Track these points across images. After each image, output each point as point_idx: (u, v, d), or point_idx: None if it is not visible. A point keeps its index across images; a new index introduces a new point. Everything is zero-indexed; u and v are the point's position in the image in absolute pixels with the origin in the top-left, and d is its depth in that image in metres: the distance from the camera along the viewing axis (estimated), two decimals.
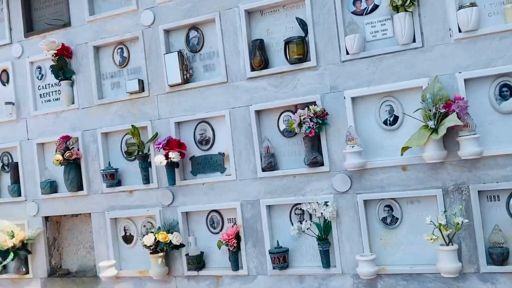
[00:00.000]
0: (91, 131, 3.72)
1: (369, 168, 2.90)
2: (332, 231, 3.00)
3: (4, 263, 3.78)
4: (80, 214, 3.89)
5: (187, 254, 3.37)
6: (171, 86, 3.43)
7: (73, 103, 3.78)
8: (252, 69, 3.21)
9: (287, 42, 3.06)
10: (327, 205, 2.96)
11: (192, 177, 3.45)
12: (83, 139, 3.74)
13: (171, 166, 3.36)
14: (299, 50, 3.02)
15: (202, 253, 3.38)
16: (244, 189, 3.25)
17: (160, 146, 3.32)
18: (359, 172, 2.92)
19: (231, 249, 3.20)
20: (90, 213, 3.77)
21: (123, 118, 3.62)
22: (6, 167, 4.10)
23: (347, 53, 2.96)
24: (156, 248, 3.35)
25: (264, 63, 3.17)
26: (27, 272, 3.90)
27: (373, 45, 2.96)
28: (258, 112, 3.23)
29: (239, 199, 3.27)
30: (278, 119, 3.20)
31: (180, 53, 3.37)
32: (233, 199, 3.29)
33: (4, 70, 4.08)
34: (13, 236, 3.77)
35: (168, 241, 3.31)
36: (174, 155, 3.29)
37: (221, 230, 3.38)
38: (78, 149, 3.73)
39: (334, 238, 2.99)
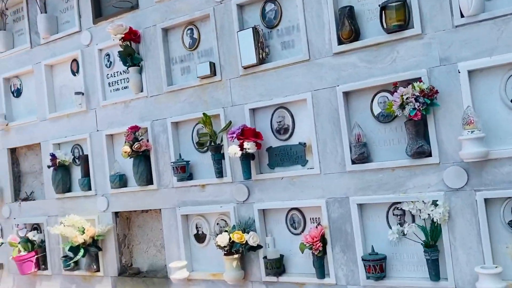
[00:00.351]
0: (161, 121, 3.45)
1: (492, 158, 2.31)
2: (442, 236, 2.44)
3: (75, 259, 3.64)
4: (150, 210, 3.65)
5: (265, 257, 2.98)
6: (245, 68, 3.05)
7: (141, 91, 3.54)
8: (340, 43, 2.73)
9: (384, 7, 2.54)
10: (436, 205, 2.40)
11: (269, 170, 3.04)
12: (152, 129, 3.48)
13: (246, 158, 2.98)
14: (399, 15, 2.49)
15: (282, 256, 2.97)
16: (330, 185, 2.78)
17: (234, 135, 2.96)
18: (479, 164, 2.34)
19: (315, 253, 2.75)
20: (160, 209, 3.51)
21: (194, 106, 3.31)
22: (77, 160, 3.97)
23: (462, 16, 2.38)
24: (231, 249, 2.99)
25: (355, 34, 2.68)
26: (98, 270, 3.74)
27: (496, 4, 2.35)
28: (347, 94, 2.75)
29: (324, 196, 2.81)
30: (372, 101, 2.69)
31: (255, 30, 2.97)
32: (317, 196, 2.83)
33: (74, 60, 3.94)
34: (83, 232, 3.61)
35: (244, 242, 2.94)
36: (249, 146, 2.90)
37: (302, 230, 2.95)
38: (148, 140, 3.48)
39: (445, 244, 2.43)
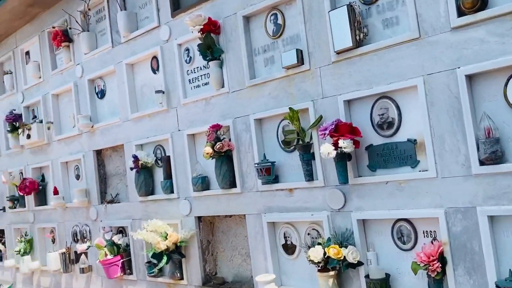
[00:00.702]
0: (243, 118, 3.13)
1: None
2: None
3: (158, 267, 3.46)
4: (234, 215, 3.36)
5: (366, 276, 2.52)
6: (338, 53, 2.61)
7: (222, 86, 3.25)
8: (460, 14, 2.18)
9: None
10: None
11: (370, 173, 2.58)
12: (235, 127, 3.18)
13: (342, 159, 2.54)
14: None
15: (387, 276, 2.49)
16: (450, 191, 2.25)
17: (327, 132, 2.53)
18: None
19: (432, 275, 2.24)
20: (244, 215, 3.19)
21: (278, 100, 2.94)
22: (159, 161, 3.81)
23: None
24: (326, 265, 2.58)
25: (481, 2, 2.12)
26: (181, 278, 3.53)
27: None
28: (471, 78, 2.19)
29: (442, 206, 2.28)
30: (506, 85, 2.11)
31: (350, 8, 2.52)
32: (433, 205, 2.31)
33: (154, 57, 3.78)
34: (166, 238, 3.42)
35: (341, 258, 2.51)
36: (345, 144, 2.46)
37: (413, 246, 2.44)
38: (230, 140, 3.18)
39: None
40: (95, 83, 4.38)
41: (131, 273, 3.96)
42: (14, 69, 5.34)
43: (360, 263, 2.54)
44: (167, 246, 3.41)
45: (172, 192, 3.60)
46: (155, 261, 3.54)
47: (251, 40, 3.12)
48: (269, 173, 2.92)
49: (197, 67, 3.46)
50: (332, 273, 2.59)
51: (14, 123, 5.16)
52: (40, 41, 4.89)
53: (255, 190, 3.08)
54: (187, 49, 3.51)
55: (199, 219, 3.51)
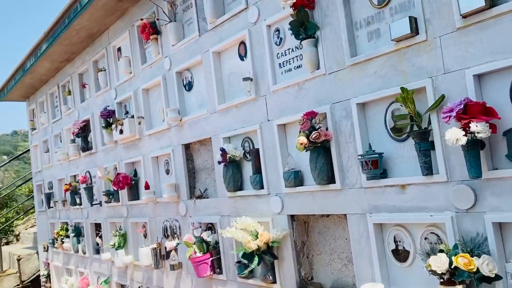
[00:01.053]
0: (343, 103, 2.73)
1: None
2: None
3: (250, 268, 3.19)
4: (333, 214, 2.97)
5: None
6: (465, 16, 2.11)
7: (318, 68, 2.87)
8: None
9: None
10: None
11: (511, 164, 2.04)
12: (333, 114, 2.79)
13: (474, 147, 2.04)
14: None
15: None
16: None
17: (453, 114, 2.05)
18: None
19: None
20: (345, 214, 2.79)
21: (386, 80, 2.50)
22: (247, 155, 3.54)
23: None
24: (451, 277, 2.10)
25: None
26: (274, 281, 3.22)
27: None
28: None
29: None
30: None
31: None
32: None
33: (242, 42, 3.51)
34: (257, 237, 3.14)
35: (473, 270, 2.01)
36: (480, 128, 1.96)
37: None
38: (327, 129, 2.80)
39: None
40: (182, 75, 4.24)
41: (220, 273, 3.75)
42: (107, 66, 5.45)
43: (498, 277, 2.02)
44: (258, 246, 3.13)
45: (262, 187, 3.31)
46: (245, 261, 3.27)
47: (351, 13, 2.71)
48: (376, 166, 2.49)
49: (288, 49, 3.13)
50: (459, 287, 2.10)
51: (108, 119, 5.26)
52: (130, 36, 4.91)
53: (358, 187, 2.66)
54: (277, 30, 3.19)
55: (292, 217, 3.17)
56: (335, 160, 2.77)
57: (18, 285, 7.91)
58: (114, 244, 5.08)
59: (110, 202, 5.39)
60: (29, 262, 8.08)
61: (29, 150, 8.55)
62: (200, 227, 4.00)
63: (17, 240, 10.66)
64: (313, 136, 2.71)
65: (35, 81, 7.22)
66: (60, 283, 7.04)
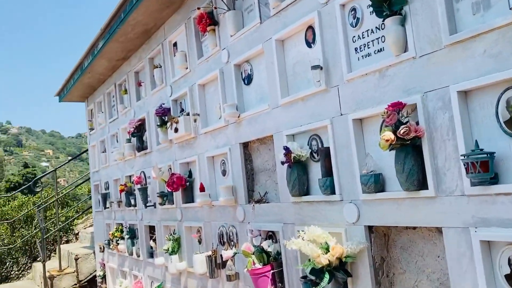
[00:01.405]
0: (438, 92, 2.23)
1: None
2: None
3: (321, 286, 2.73)
4: (421, 227, 2.47)
5: None
6: None
7: (405, 50, 2.40)
8: None
9: None
10: None
11: None
12: (425, 105, 2.29)
13: None
14: None
15: None
16: None
17: None
18: None
19: None
20: (440, 227, 2.29)
21: (500, 60, 1.97)
22: (315, 155, 3.11)
23: None
24: None
25: None
26: None
27: None
28: None
29: None
30: None
31: None
32: None
33: (310, 27, 3.09)
34: (328, 250, 2.70)
35: None
36: None
37: None
38: (417, 123, 2.31)
39: None
40: (241, 67, 3.89)
41: (283, 287, 3.34)
42: (163, 63, 5.22)
43: None
44: (329, 261, 2.69)
45: (333, 192, 2.87)
46: (312, 278, 2.84)
47: None
48: (486, 169, 1.97)
49: (367, 30, 2.66)
50: None
51: (163, 117, 5.02)
52: (187, 29, 4.64)
53: (459, 194, 2.15)
54: (353, 9, 2.74)
55: (370, 229, 2.70)
56: (428, 161, 2.27)
57: (75, 284, 7.94)
58: (168, 248, 4.82)
59: (164, 204, 5.15)
60: (86, 262, 8.10)
61: (87, 150, 8.62)
62: (260, 235, 3.61)
63: (76, 239, 10.86)
64: (402, 132, 2.23)
65: (93, 81, 7.20)
66: (115, 285, 6.94)
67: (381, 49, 2.58)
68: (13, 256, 10.51)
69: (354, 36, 2.75)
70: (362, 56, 2.70)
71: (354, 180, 2.71)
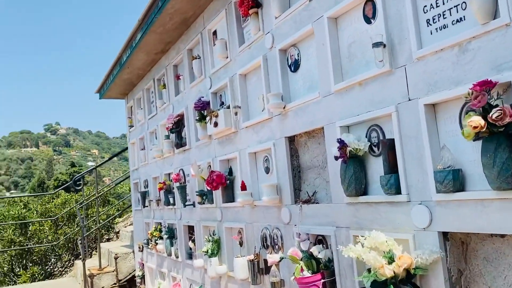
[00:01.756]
0: None
1: None
2: None
3: None
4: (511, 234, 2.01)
5: None
6: None
7: (494, 18, 1.94)
8: None
9: None
10: None
11: None
12: None
13: None
14: None
15: None
16: None
17: None
18: None
19: None
20: None
21: None
22: (375, 148, 2.68)
23: None
24: None
25: None
26: None
27: None
28: None
29: None
30: None
31: None
32: None
33: (369, 0, 2.67)
34: (393, 260, 2.28)
35: None
36: None
37: None
38: (511, 106, 1.86)
39: None
40: (287, 53, 3.51)
41: None
42: (201, 53, 4.93)
43: None
44: (394, 272, 2.26)
45: (398, 192, 2.44)
46: None
47: None
48: None
49: None
50: None
51: (202, 112, 4.73)
52: (227, 15, 4.31)
53: None
54: None
55: (445, 235, 2.25)
56: None
57: (115, 283, 7.83)
58: (207, 250, 4.52)
59: (204, 203, 4.85)
60: (125, 261, 7.98)
61: (127, 148, 8.51)
62: (308, 239, 3.22)
63: (117, 237, 10.84)
64: (494, 116, 1.79)
65: (132, 76, 7.04)
66: (153, 286, 6.74)
67: (461, 18, 2.13)
68: (57, 253, 10.62)
69: (425, 6, 2.31)
70: (436, 28, 2.26)
71: (425, 178, 2.27)
